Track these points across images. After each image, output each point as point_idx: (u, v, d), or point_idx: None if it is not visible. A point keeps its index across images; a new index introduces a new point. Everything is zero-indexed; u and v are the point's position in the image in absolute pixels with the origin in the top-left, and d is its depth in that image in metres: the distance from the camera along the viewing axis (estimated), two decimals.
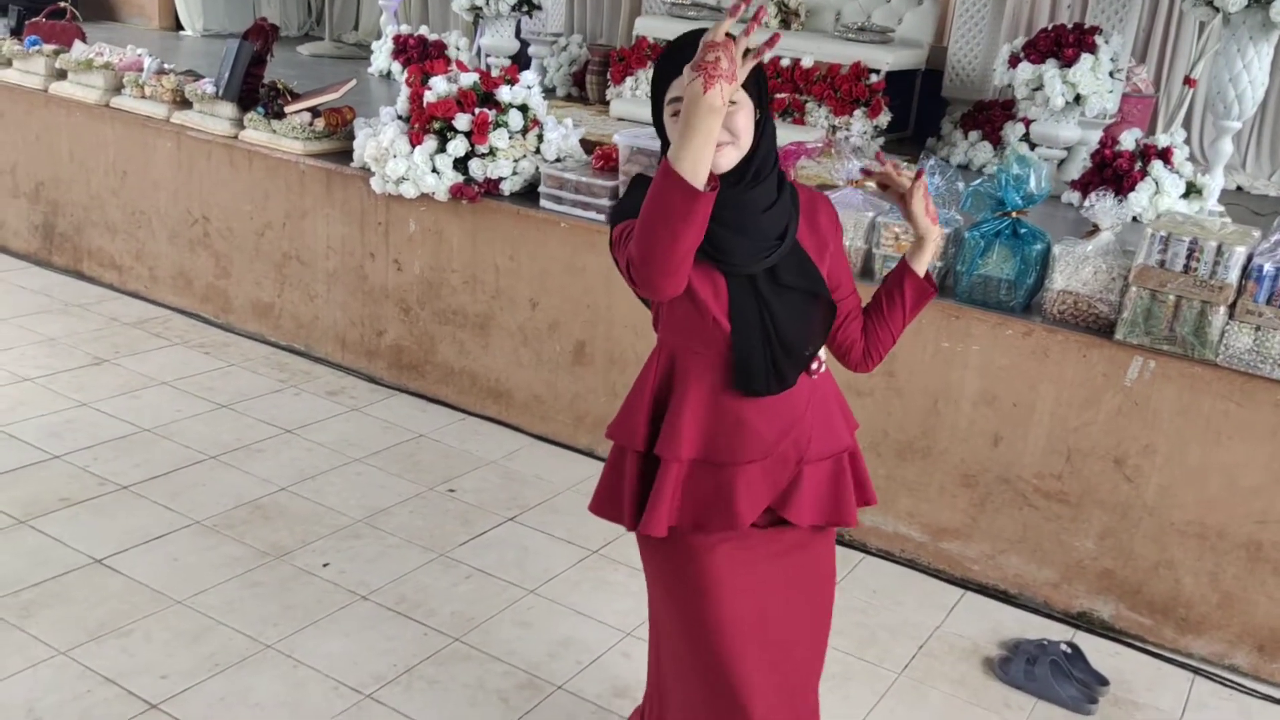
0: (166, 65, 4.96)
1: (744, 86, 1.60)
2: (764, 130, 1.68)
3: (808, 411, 1.83)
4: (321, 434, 3.92)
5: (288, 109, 4.43)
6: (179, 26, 7.99)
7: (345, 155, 4.37)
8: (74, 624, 2.76)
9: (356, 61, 7.43)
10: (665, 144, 1.69)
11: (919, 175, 1.89)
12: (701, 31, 1.55)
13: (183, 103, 4.75)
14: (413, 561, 3.20)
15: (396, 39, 6.66)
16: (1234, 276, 2.85)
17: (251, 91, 4.57)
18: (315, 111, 4.46)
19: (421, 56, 6.62)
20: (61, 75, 5.12)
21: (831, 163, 3.55)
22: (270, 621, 2.85)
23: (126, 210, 5.02)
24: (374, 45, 7.00)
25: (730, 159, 1.65)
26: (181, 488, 3.46)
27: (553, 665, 2.80)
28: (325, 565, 3.13)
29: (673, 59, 1.61)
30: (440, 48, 6.64)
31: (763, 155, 1.68)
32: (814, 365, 1.84)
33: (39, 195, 5.36)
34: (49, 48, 5.18)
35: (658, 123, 1.70)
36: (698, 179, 1.47)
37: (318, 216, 4.41)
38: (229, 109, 4.54)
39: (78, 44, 5.18)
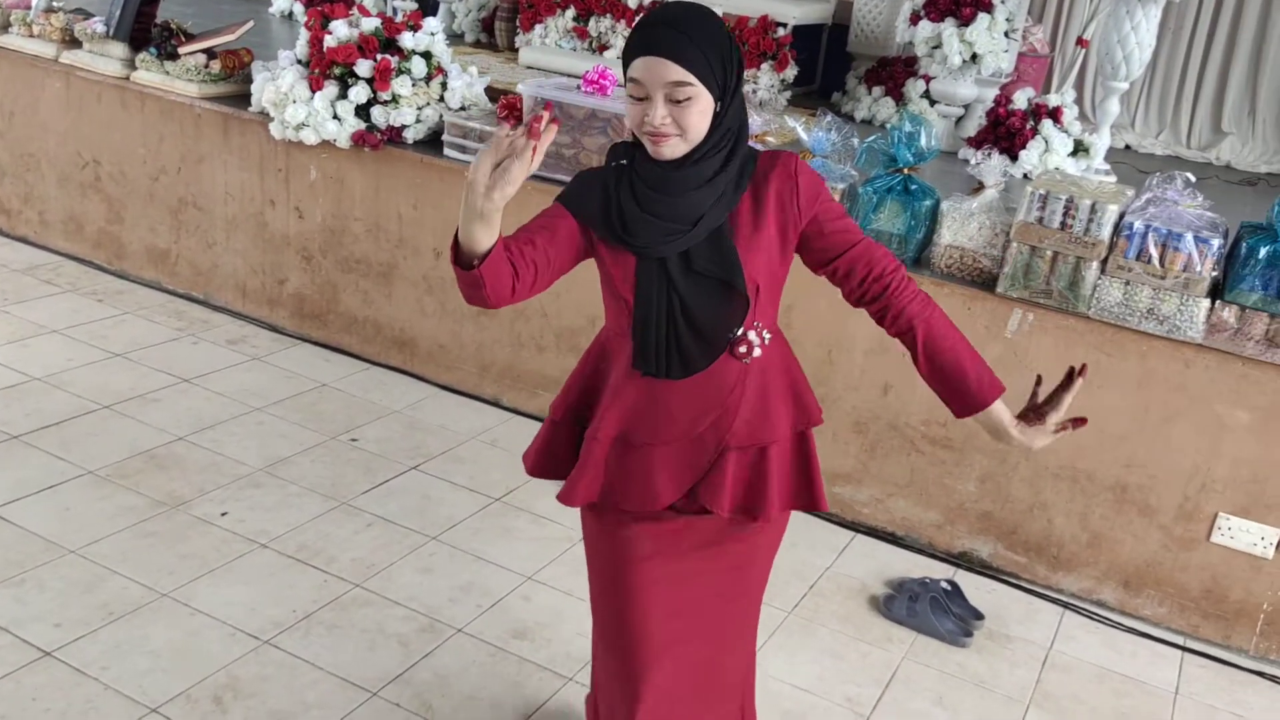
0: (55, 3, 4.78)
1: (707, 86, 1.59)
2: (720, 121, 1.64)
3: (735, 395, 1.78)
4: (221, 383, 3.88)
5: (182, 50, 4.31)
6: None
7: (243, 99, 4.29)
8: None
9: (255, 1, 7.23)
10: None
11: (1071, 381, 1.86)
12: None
13: (72, 42, 4.60)
14: (313, 510, 3.21)
15: None
16: (1106, 233, 2.98)
17: (144, 31, 4.44)
18: (211, 53, 4.35)
19: None
20: None
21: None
22: (166, 570, 2.85)
23: (14, 153, 4.86)
24: None
25: (676, 150, 1.64)
26: (74, 437, 3.41)
27: (453, 609, 2.86)
28: (224, 514, 3.13)
29: (629, 43, 1.62)
30: None
31: (713, 142, 1.65)
32: (742, 349, 1.76)
33: None
34: None
35: None
36: (461, 259, 1.58)
37: (215, 161, 4.32)
38: (120, 49, 4.41)
39: None
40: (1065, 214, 3.01)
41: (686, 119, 1.60)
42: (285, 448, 3.53)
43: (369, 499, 3.31)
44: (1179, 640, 3.14)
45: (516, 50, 6.11)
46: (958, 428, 3.30)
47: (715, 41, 1.60)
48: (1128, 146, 5.94)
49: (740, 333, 1.75)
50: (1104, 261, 3.01)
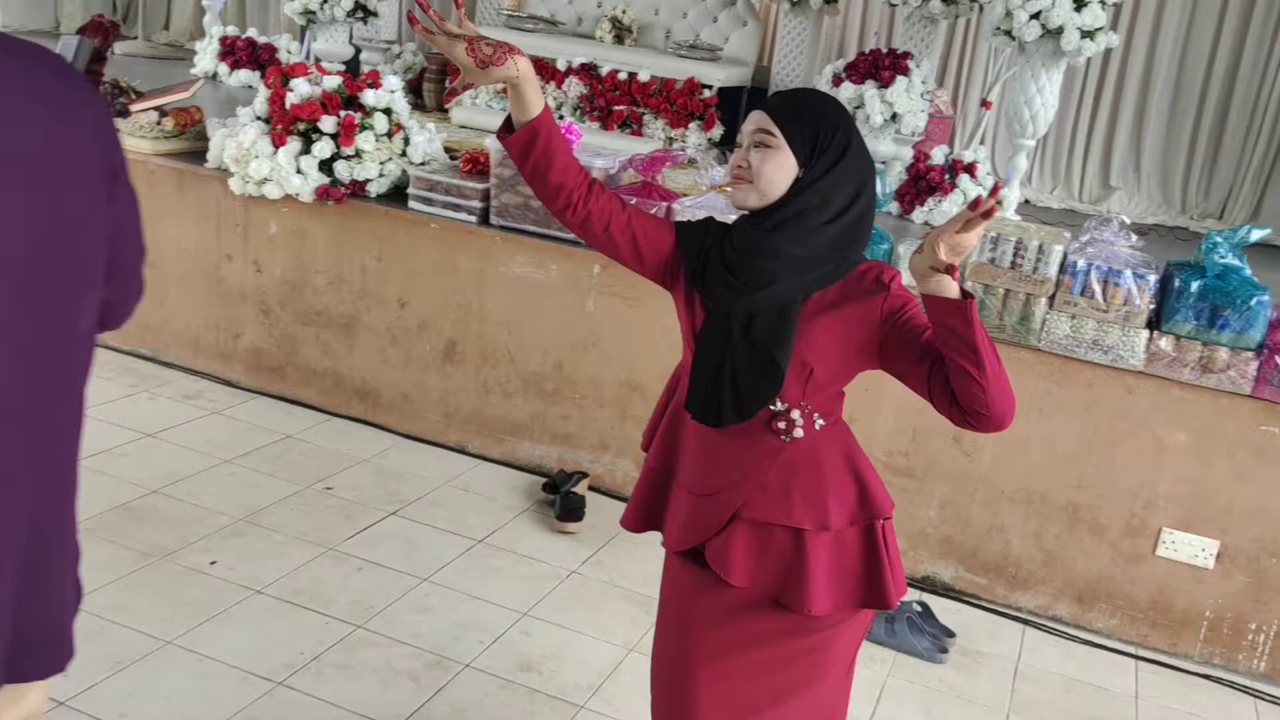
0: None
1: (791, 145, 1.68)
2: (799, 189, 1.70)
3: (760, 468, 1.77)
4: (185, 436, 3.85)
5: (133, 108, 4.31)
6: None
7: (195, 155, 4.30)
8: None
9: (173, 61, 7.20)
10: None
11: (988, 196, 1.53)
12: None
13: None
14: (301, 556, 3.22)
15: (224, 40, 6.52)
16: (1053, 271, 3.26)
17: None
18: (162, 111, 4.36)
19: (250, 59, 6.51)
20: None
21: (696, 171, 3.82)
22: (165, 619, 2.82)
23: None
24: (196, 45, 6.81)
25: (747, 198, 1.73)
26: None
27: (457, 646, 2.90)
28: (212, 563, 3.11)
29: None
30: (270, 51, 6.55)
31: (793, 210, 1.70)
32: (781, 425, 1.76)
33: None
34: None
35: None
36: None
37: (168, 218, 4.31)
38: None
39: None
40: (1015, 254, 3.27)
41: (762, 166, 1.70)
42: (261, 497, 3.52)
43: (354, 544, 3.33)
44: (1131, 650, 3.38)
45: (446, 111, 6.24)
46: (919, 457, 3.51)
47: (814, 116, 1.71)
48: (1026, 200, 6.36)
49: (784, 408, 1.75)
50: (1051, 298, 3.27)
